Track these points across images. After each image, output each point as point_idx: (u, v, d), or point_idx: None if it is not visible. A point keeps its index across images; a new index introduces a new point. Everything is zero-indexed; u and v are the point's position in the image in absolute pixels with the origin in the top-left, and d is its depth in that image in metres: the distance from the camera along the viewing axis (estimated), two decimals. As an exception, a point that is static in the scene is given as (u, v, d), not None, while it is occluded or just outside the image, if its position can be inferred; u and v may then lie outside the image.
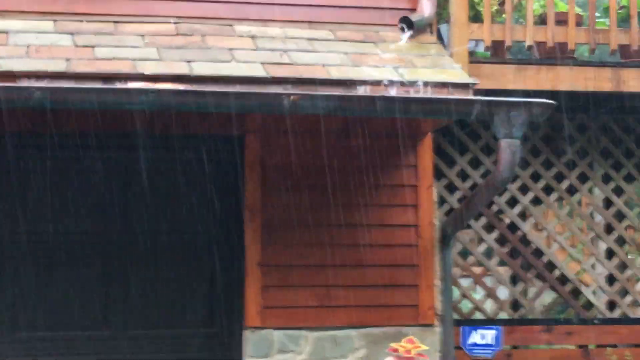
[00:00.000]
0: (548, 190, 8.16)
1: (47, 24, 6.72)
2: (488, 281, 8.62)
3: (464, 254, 8.48)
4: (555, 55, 7.58)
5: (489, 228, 8.07)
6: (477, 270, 8.49)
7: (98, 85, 5.87)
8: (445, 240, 7.26)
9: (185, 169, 7.05)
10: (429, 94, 6.41)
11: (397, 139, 7.10)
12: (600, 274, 8.36)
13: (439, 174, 7.73)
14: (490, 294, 8.02)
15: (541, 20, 7.68)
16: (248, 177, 6.98)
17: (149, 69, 6.20)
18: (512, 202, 8.07)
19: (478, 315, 8.17)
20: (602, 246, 8.41)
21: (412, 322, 7.11)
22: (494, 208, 8.01)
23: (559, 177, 8.15)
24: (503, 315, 8.23)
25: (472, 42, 7.59)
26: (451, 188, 7.89)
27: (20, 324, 6.85)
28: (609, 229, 8.35)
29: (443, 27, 7.52)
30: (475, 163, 7.93)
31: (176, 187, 7.06)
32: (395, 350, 5.73)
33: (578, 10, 7.82)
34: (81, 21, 6.80)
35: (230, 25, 7.05)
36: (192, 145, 6.99)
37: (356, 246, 7.10)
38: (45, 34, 6.57)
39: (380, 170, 7.15)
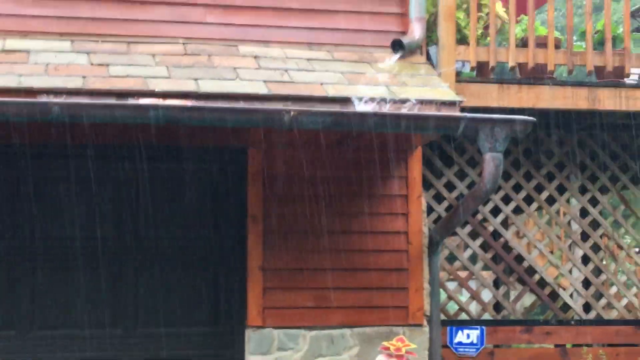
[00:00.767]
0: (528, 200, 8.14)
1: (65, 44, 6.70)
2: (473, 284, 8.60)
3: (451, 259, 8.47)
4: (535, 76, 7.57)
5: (474, 235, 8.05)
6: (463, 274, 8.48)
7: (112, 101, 5.84)
8: (433, 246, 7.24)
9: (192, 179, 7.04)
10: (419, 110, 6.38)
11: (389, 152, 7.08)
12: (577, 279, 8.34)
13: (427, 185, 7.72)
14: (475, 296, 7.99)
15: (523, 43, 7.67)
16: (250, 186, 6.96)
17: (159, 86, 6.18)
18: (496, 211, 8.05)
19: (463, 316, 8.14)
20: (579, 252, 8.39)
21: (402, 322, 7.08)
22: (479, 216, 7.99)
23: (539, 188, 8.13)
24: (486, 316, 8.21)
25: (459, 63, 7.57)
26: (439, 198, 7.87)
27: (37, 323, 6.82)
28: (584, 236, 8.33)
29: (432, 49, 7.50)
30: (461, 175, 7.91)
31: (183, 196, 7.05)
32: (387, 348, 5.71)
33: (557, 34, 7.82)
34: (97, 41, 6.79)
35: (235, 46, 7.03)
36: (199, 157, 6.99)
37: (350, 251, 7.08)
38: (63, 53, 6.55)
39: (374, 180, 7.13)
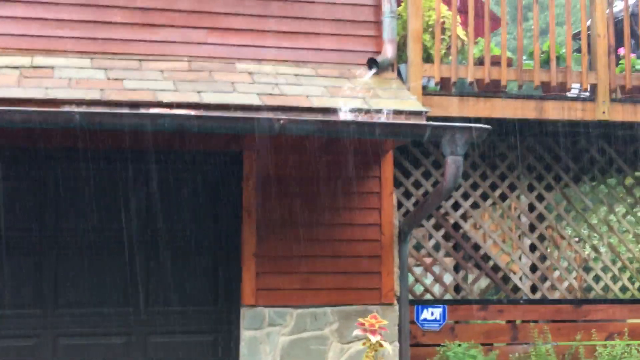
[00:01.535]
0: (484, 196, 8.19)
1: (85, 61, 6.69)
2: (436, 269, 8.64)
3: (417, 247, 8.49)
4: (491, 90, 7.61)
5: (438, 226, 8.08)
6: (428, 260, 8.51)
7: (126, 110, 5.84)
8: (402, 236, 7.27)
9: (195, 179, 7.04)
10: (391, 119, 6.41)
11: (364, 155, 7.11)
12: (525, 264, 8.39)
13: (398, 183, 7.74)
14: (438, 279, 8.03)
15: (480, 62, 7.71)
16: (245, 185, 6.97)
17: (167, 98, 6.18)
18: (456, 205, 8.09)
19: (428, 297, 8.18)
20: (527, 242, 8.44)
21: (376, 302, 7.10)
22: (442, 210, 8.03)
23: (493, 186, 8.18)
24: (448, 296, 8.25)
25: (425, 79, 7.60)
26: (408, 194, 7.90)
27: (59, 302, 6.81)
28: (532, 228, 8.39)
29: (402, 67, 7.52)
30: (427, 175, 7.95)
31: (187, 194, 7.04)
32: (362, 324, 5.73)
33: (509, 54, 7.85)
34: (112, 59, 6.77)
35: (233, 63, 7.04)
36: (201, 160, 6.99)
37: (332, 241, 7.11)
38: (83, 69, 6.54)
39: (352, 180, 7.15)
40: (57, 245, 6.80)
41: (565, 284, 8.32)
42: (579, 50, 8.23)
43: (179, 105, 6.10)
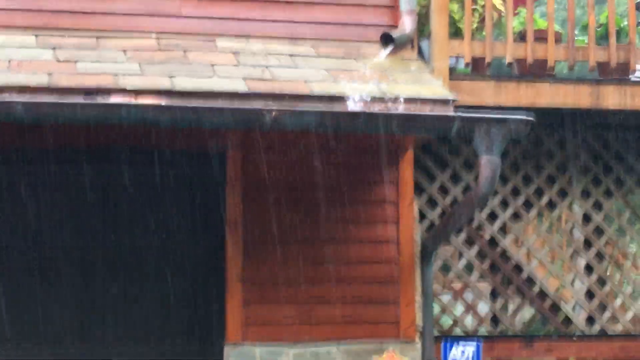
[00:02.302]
0: (528, 205, 8.18)
1: (29, 39, 6.70)
2: (468, 296, 8.63)
3: (445, 269, 8.48)
4: (535, 72, 7.61)
5: (469, 243, 8.08)
6: (458, 285, 8.50)
7: (80, 99, 5.85)
8: (426, 256, 7.27)
9: (167, 184, 7.05)
10: (410, 110, 6.41)
11: (378, 154, 7.13)
12: (579, 290, 8.38)
13: (419, 190, 7.75)
14: (471, 309, 8.03)
15: (521, 37, 7.71)
16: (229, 192, 6.99)
17: (130, 83, 6.18)
18: (492, 217, 8.09)
19: (458, 331, 8.17)
20: (581, 262, 8.43)
21: (394, 337, 7.12)
22: (474, 223, 8.03)
23: (539, 193, 8.18)
24: (483, 330, 8.24)
25: (452, 59, 7.61)
26: (432, 203, 7.90)
27: (8, 335, 6.82)
28: (588, 244, 8.38)
29: (424, 43, 7.54)
30: (456, 178, 7.95)
31: (158, 202, 7.07)
32: (377, 364, 5.75)
33: (557, 27, 7.87)
34: (63, 36, 6.79)
35: (212, 40, 7.05)
36: (174, 160, 7.00)
37: (337, 262, 7.12)
38: (27, 49, 6.55)
39: (362, 186, 7.17)
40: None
41: (630, 314, 8.31)
42: (644, 22, 8.24)
43: (146, 93, 6.09)
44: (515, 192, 8.11)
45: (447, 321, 8.58)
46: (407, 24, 7.31)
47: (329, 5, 7.38)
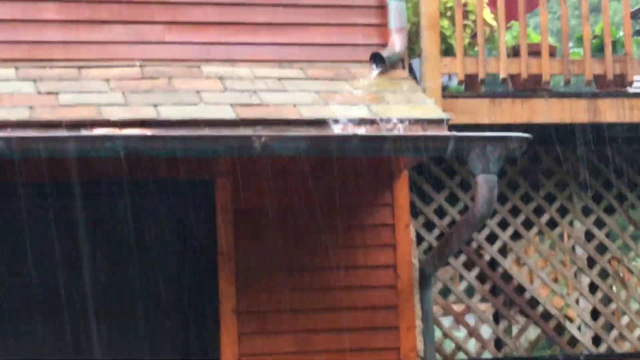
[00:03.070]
0: (528, 224, 8.17)
1: (9, 71, 6.69)
2: (470, 320, 8.60)
3: (445, 292, 8.47)
4: (530, 87, 7.62)
5: (469, 265, 8.06)
6: (459, 308, 8.48)
7: (63, 133, 5.83)
8: (425, 279, 7.25)
9: (156, 214, 7.03)
10: (403, 130, 6.41)
11: (372, 177, 7.12)
12: (585, 309, 8.37)
13: (415, 212, 7.73)
14: (473, 333, 8.00)
15: (514, 52, 7.72)
16: (220, 221, 6.96)
17: (114, 114, 6.17)
18: (492, 238, 8.08)
19: (461, 355, 8.14)
20: (585, 280, 8.41)
21: (394, 364, 7.10)
22: (474, 245, 8.01)
23: (539, 211, 8.17)
24: (487, 354, 8.21)
25: (445, 76, 7.62)
26: (429, 226, 7.89)
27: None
28: (591, 262, 8.37)
29: (415, 62, 7.54)
30: (453, 199, 7.94)
31: (146, 233, 7.02)
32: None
33: (551, 40, 7.88)
34: (44, 67, 6.77)
35: (198, 66, 7.05)
36: (162, 190, 6.97)
37: (334, 289, 7.08)
38: (6, 82, 6.53)
39: (356, 210, 7.15)
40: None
41: (638, 332, 8.29)
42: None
43: (131, 124, 6.09)
44: (515, 212, 8.10)
45: (449, 346, 8.55)
46: (397, 43, 7.31)
47: (316, 26, 7.38)
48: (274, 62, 7.22)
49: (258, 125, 6.29)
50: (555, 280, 8.86)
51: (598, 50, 7.81)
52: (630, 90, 7.89)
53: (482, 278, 8.13)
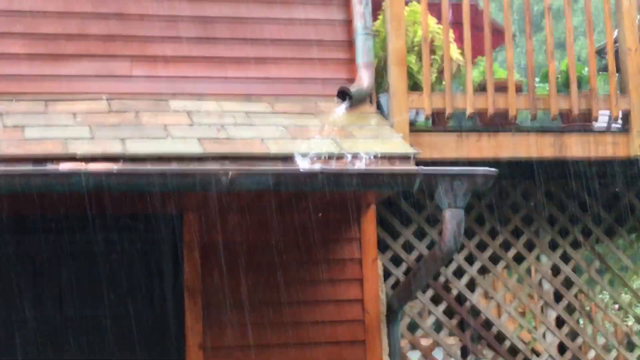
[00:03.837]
0: (495, 259, 8.18)
1: (-26, 106, 6.67)
2: (438, 354, 8.59)
3: (412, 327, 8.45)
4: (496, 123, 7.66)
5: (437, 300, 8.05)
6: (426, 343, 8.46)
7: (28, 167, 5.80)
8: (392, 314, 7.24)
9: (121, 250, 6.99)
10: (371, 166, 6.43)
11: (339, 212, 7.11)
12: (551, 344, 8.38)
13: (383, 247, 7.73)
14: (441, 368, 7.99)
15: (481, 88, 7.78)
16: (187, 256, 6.92)
17: (81, 149, 6.16)
18: (459, 272, 8.08)
19: (429, 391, 8.12)
20: (552, 314, 8.43)
21: (361, 401, 7.07)
22: (441, 279, 8.01)
23: (506, 246, 8.18)
24: (454, 389, 8.20)
25: (412, 112, 7.63)
26: (396, 260, 7.88)
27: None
28: (558, 296, 8.39)
29: (383, 97, 7.57)
30: (421, 234, 7.94)
31: (112, 269, 6.98)
32: None
33: (518, 76, 7.94)
34: (10, 101, 6.76)
35: (165, 100, 7.05)
36: (128, 225, 6.94)
37: (301, 324, 7.06)
38: (-29, 116, 6.51)
39: (324, 244, 7.14)
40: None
41: (604, 366, 8.31)
42: (605, 69, 8.33)
43: (97, 159, 6.08)
44: (482, 246, 8.11)
45: (417, 381, 8.54)
46: (364, 78, 7.35)
47: (284, 61, 7.42)
48: (242, 97, 7.23)
49: (225, 160, 6.30)
50: (523, 314, 8.89)
51: (564, 86, 7.88)
52: (596, 125, 7.96)
53: (449, 313, 8.12)
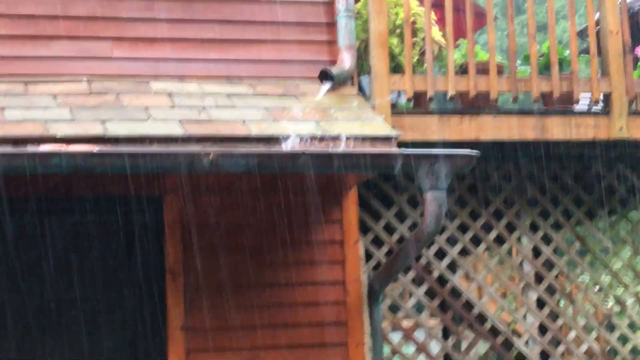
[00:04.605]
0: (476, 240, 8.21)
1: (-47, 87, 6.63)
2: (419, 335, 8.62)
3: (394, 308, 8.47)
4: (478, 105, 7.66)
5: (418, 281, 8.08)
6: (408, 324, 8.48)
7: (8, 149, 5.78)
8: (374, 296, 7.26)
9: (102, 232, 6.98)
10: (352, 147, 6.43)
11: (321, 194, 7.11)
12: (532, 324, 8.41)
13: (365, 229, 7.74)
14: (422, 348, 8.01)
15: (463, 70, 7.77)
16: (168, 238, 6.93)
17: (61, 130, 6.14)
18: (441, 254, 8.10)
19: (410, 372, 8.15)
20: (533, 296, 8.47)
21: (343, 381, 7.09)
22: (423, 261, 8.03)
23: (487, 227, 8.20)
24: (436, 370, 8.23)
25: (394, 94, 7.64)
26: (378, 242, 7.89)
27: None
28: (539, 278, 8.42)
29: (364, 79, 7.56)
30: (402, 216, 7.95)
31: (94, 251, 6.98)
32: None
33: (499, 58, 7.94)
34: (-10, 82, 6.73)
35: (146, 82, 7.02)
36: (110, 207, 6.92)
37: (283, 306, 7.08)
38: (-50, 98, 6.48)
39: (305, 227, 7.15)
40: None
41: (584, 347, 8.35)
42: (586, 52, 8.34)
43: (78, 140, 6.05)
44: (463, 228, 8.13)
45: (398, 362, 8.57)
46: (346, 60, 7.34)
47: (266, 43, 7.40)
48: (223, 79, 7.22)
49: (207, 141, 6.28)
50: (504, 295, 8.92)
51: (545, 68, 7.89)
52: (577, 107, 7.98)
53: (431, 294, 8.15)
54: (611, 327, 8.63)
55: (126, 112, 6.53)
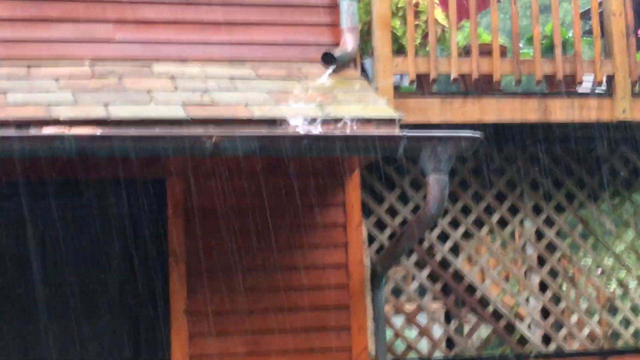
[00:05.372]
0: (479, 223, 8.23)
1: (-45, 70, 6.64)
2: (422, 319, 8.65)
3: (396, 292, 8.50)
4: (481, 87, 7.67)
5: (421, 264, 8.10)
6: (410, 308, 8.52)
7: (11, 132, 5.79)
8: (376, 279, 7.28)
9: (106, 215, 6.99)
10: (355, 130, 6.44)
11: (323, 177, 7.14)
12: (535, 308, 8.44)
13: (367, 212, 7.76)
14: (424, 332, 8.04)
15: (465, 52, 7.78)
16: (171, 221, 6.95)
17: (64, 113, 6.14)
18: (443, 237, 8.12)
19: (413, 355, 8.17)
20: (535, 279, 8.50)
21: (346, 365, 7.12)
22: (425, 244, 8.05)
23: (490, 210, 8.22)
24: (438, 353, 8.25)
25: (396, 76, 7.65)
26: (381, 225, 7.91)
27: None
28: (541, 261, 8.45)
29: (367, 62, 7.57)
30: (405, 199, 7.97)
31: (96, 235, 6.99)
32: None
33: (502, 40, 7.94)
34: (-8, 65, 6.74)
35: (149, 65, 7.03)
36: (113, 190, 6.94)
37: (286, 289, 7.10)
38: (-48, 80, 6.49)
39: (308, 210, 7.16)
40: None
41: (586, 330, 8.38)
42: (589, 33, 8.35)
43: (81, 123, 6.06)
44: (466, 211, 8.15)
45: (400, 345, 8.60)
46: (348, 42, 7.35)
47: (268, 26, 7.40)
48: (226, 61, 7.22)
49: (209, 124, 6.29)
50: (506, 279, 8.94)
51: (548, 50, 7.89)
52: (580, 89, 7.99)
53: (433, 277, 8.17)
54: (614, 310, 8.65)
55: (129, 95, 6.54)
